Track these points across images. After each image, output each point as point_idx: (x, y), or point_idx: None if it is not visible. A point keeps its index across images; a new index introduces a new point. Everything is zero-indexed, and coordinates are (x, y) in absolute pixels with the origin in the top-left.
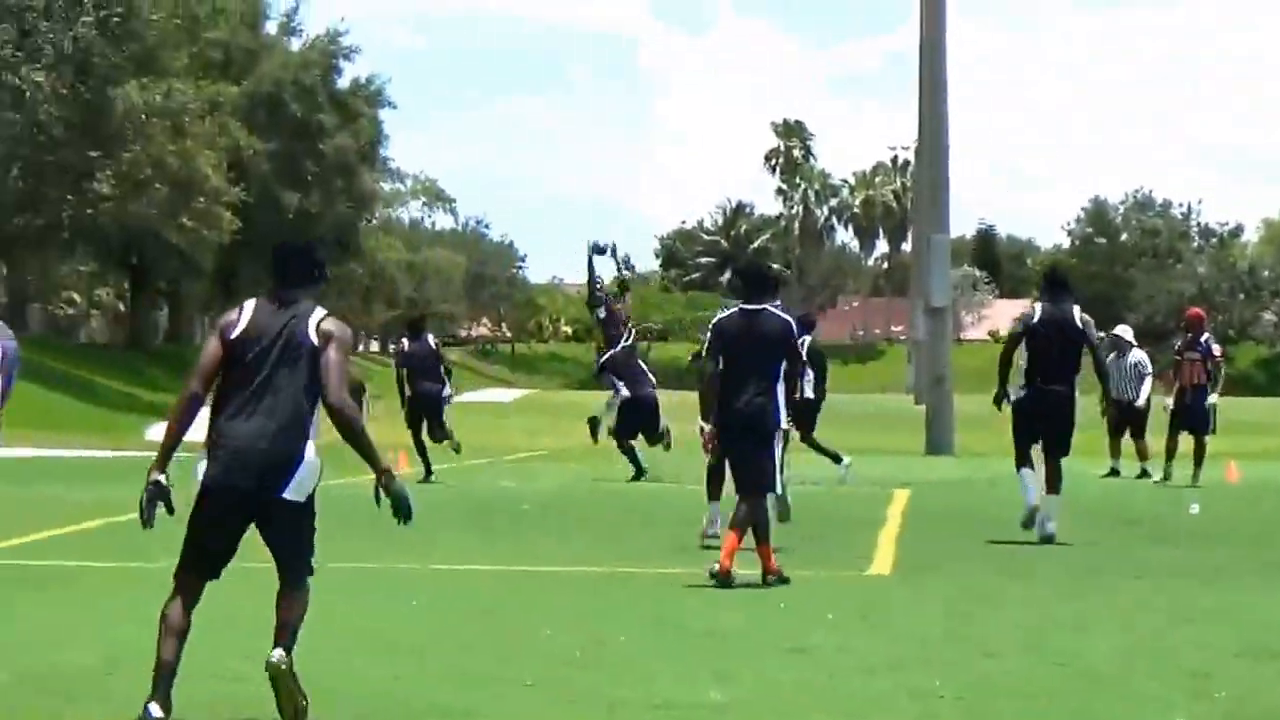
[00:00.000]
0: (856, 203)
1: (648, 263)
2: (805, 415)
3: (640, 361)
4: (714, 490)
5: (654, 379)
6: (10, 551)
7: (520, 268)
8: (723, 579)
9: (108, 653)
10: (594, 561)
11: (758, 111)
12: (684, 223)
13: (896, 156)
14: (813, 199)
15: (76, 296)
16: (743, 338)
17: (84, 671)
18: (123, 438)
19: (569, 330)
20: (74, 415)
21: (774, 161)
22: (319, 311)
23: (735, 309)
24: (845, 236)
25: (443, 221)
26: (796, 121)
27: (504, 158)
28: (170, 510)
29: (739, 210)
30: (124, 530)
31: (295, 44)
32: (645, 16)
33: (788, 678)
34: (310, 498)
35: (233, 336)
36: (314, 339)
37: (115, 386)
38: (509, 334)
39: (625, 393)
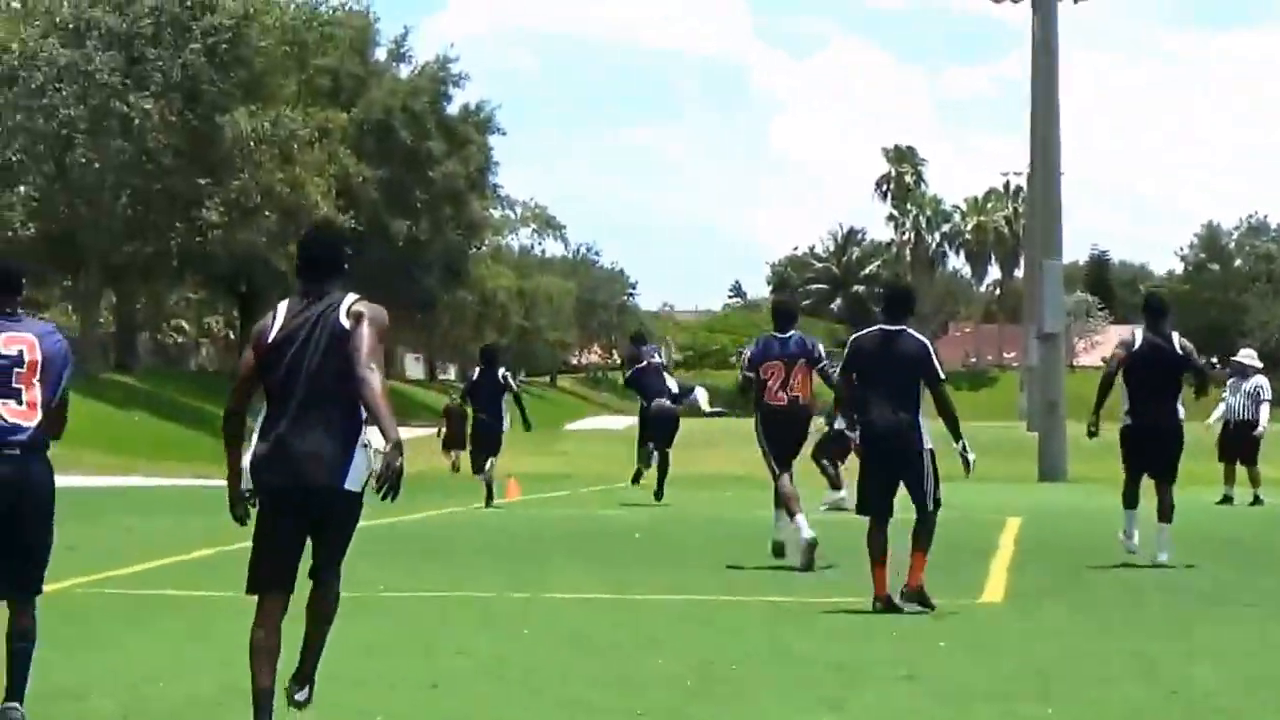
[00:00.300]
0: (968, 228)
1: (758, 289)
2: (835, 442)
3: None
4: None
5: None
6: (122, 580)
7: (630, 295)
8: (916, 596)
9: (220, 681)
10: (705, 590)
11: (869, 137)
12: (795, 249)
13: (1009, 182)
14: (924, 225)
15: (186, 325)
16: (881, 357)
17: (194, 701)
18: None
19: (680, 357)
20: (185, 444)
21: (885, 187)
22: (350, 297)
23: (875, 328)
24: (957, 262)
25: (553, 248)
26: (908, 147)
27: (614, 184)
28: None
29: (850, 236)
30: (236, 559)
31: (404, 71)
32: (754, 42)
33: (899, 706)
34: (364, 490)
35: (270, 340)
36: (346, 323)
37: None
38: (619, 361)
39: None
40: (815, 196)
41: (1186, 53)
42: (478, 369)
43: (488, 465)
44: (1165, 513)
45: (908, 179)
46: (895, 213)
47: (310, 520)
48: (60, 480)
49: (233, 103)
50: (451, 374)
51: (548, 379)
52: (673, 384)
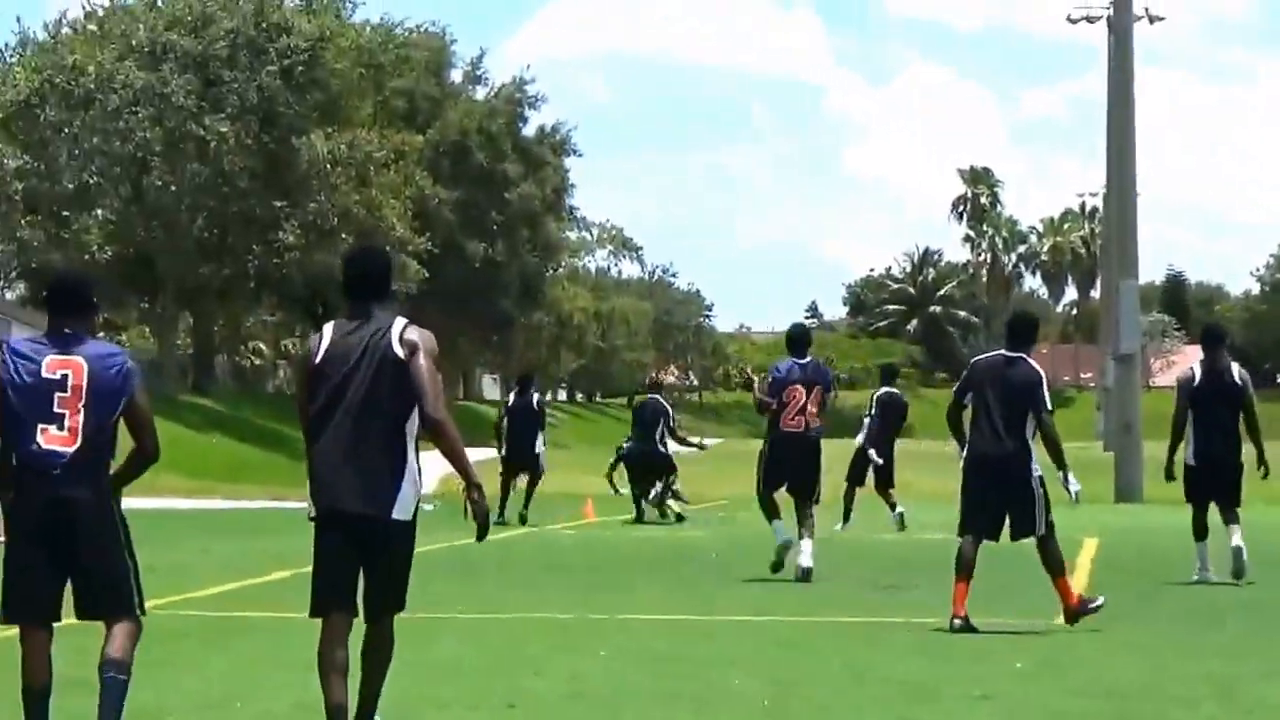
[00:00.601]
0: (1044, 249)
1: (835, 310)
2: (860, 465)
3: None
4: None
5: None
6: (199, 602)
7: (707, 316)
8: (1079, 612)
9: (295, 701)
10: (781, 610)
11: (945, 159)
12: (871, 270)
13: (1085, 203)
14: (1000, 246)
15: (263, 347)
16: (995, 383)
17: None
18: None
19: (755, 378)
20: (262, 466)
21: (962, 209)
22: (400, 321)
23: (997, 353)
24: (1033, 283)
25: (629, 270)
26: (984, 168)
27: (691, 205)
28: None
29: (926, 257)
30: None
31: (481, 92)
32: (830, 64)
33: None
34: (414, 519)
35: (316, 362)
36: (399, 351)
37: (302, 437)
38: (696, 382)
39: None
40: (892, 218)
41: (1264, 71)
42: (513, 394)
43: (524, 484)
44: (1233, 518)
45: (984, 200)
46: (972, 234)
47: (359, 549)
48: (137, 503)
49: (308, 125)
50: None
51: (625, 400)
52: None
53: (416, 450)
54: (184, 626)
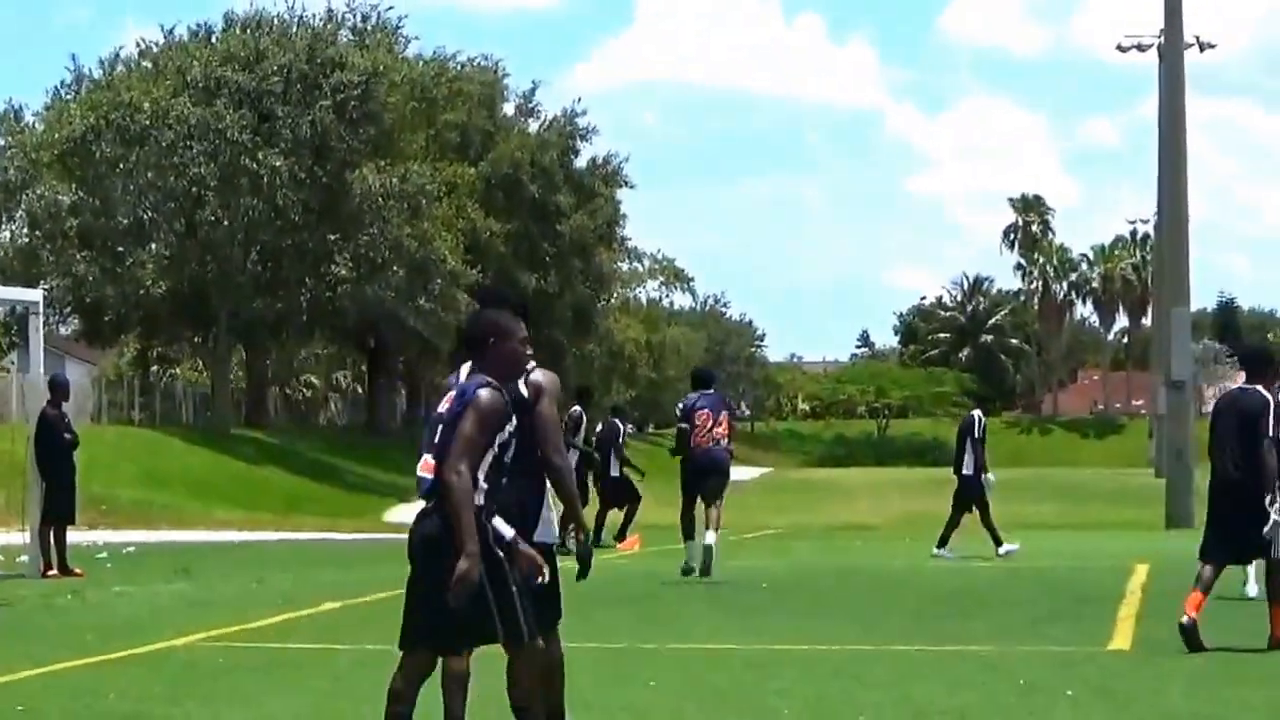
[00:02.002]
0: (1096, 277)
1: (886, 339)
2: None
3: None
4: None
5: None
6: (250, 634)
7: (759, 346)
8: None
9: None
10: (832, 640)
11: (997, 187)
12: (923, 299)
13: (1136, 229)
14: (1052, 274)
15: (315, 380)
16: (1226, 413)
17: None
18: (363, 520)
19: (807, 407)
20: (314, 498)
21: (1013, 237)
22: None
23: (1236, 386)
24: (1085, 311)
25: (681, 300)
26: (1035, 196)
27: (742, 236)
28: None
29: (977, 286)
30: (364, 612)
31: (533, 125)
32: (885, 92)
33: None
34: (554, 546)
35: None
36: (524, 391)
37: (355, 469)
38: (748, 412)
39: None
40: (943, 247)
41: None
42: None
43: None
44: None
45: (1035, 228)
46: (1023, 262)
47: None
48: (191, 536)
49: (361, 159)
50: None
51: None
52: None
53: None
54: (237, 659)
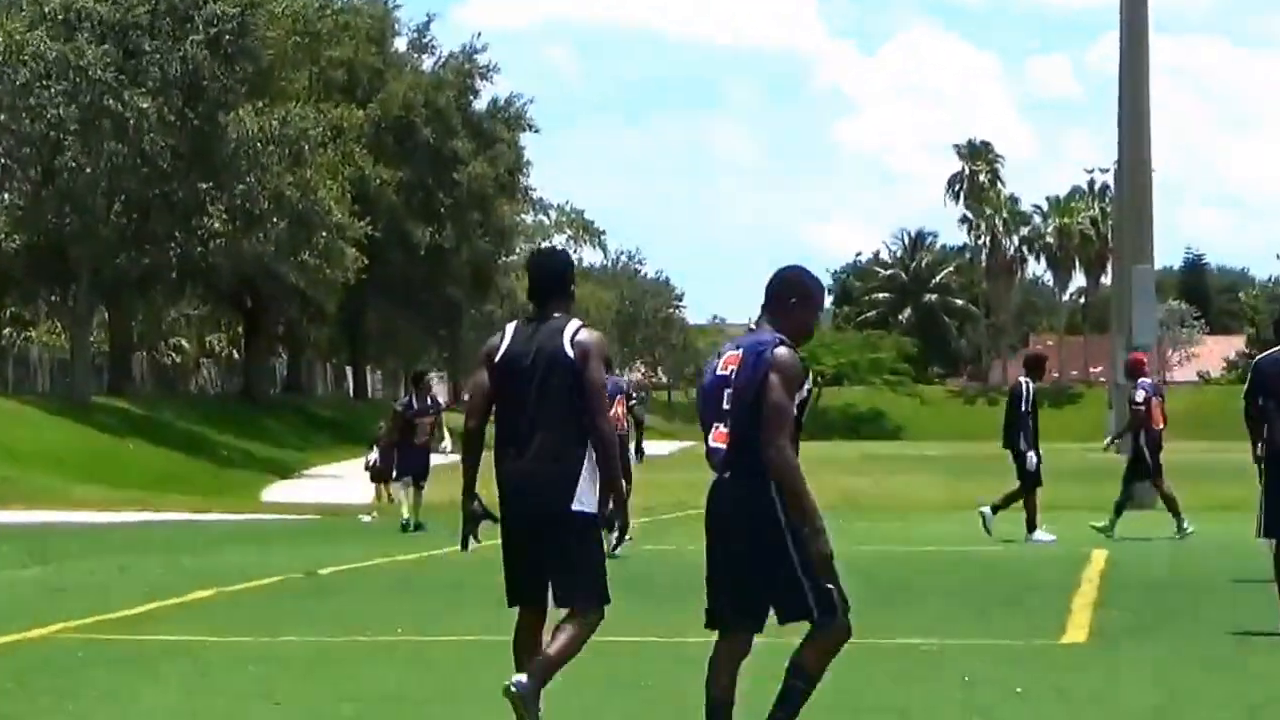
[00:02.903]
0: (1049, 231)
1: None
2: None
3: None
4: None
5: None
6: (113, 625)
7: (677, 307)
8: None
9: None
10: (770, 631)
11: (939, 133)
12: (858, 255)
13: (1094, 180)
14: (1001, 228)
15: (185, 343)
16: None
17: None
18: (238, 499)
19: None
20: (184, 475)
21: (958, 187)
22: (574, 324)
23: (1276, 349)
24: (1037, 269)
25: (591, 256)
26: (983, 143)
27: (659, 186)
28: (493, 519)
29: (919, 241)
30: (237, 601)
31: (427, 62)
32: (818, 33)
33: None
34: (595, 517)
35: (496, 361)
36: (570, 352)
37: (229, 442)
38: (666, 380)
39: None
40: (880, 198)
41: None
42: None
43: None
44: None
45: (982, 177)
46: (969, 215)
47: (543, 543)
48: (47, 516)
49: (237, 100)
50: None
51: None
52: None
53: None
54: (98, 651)
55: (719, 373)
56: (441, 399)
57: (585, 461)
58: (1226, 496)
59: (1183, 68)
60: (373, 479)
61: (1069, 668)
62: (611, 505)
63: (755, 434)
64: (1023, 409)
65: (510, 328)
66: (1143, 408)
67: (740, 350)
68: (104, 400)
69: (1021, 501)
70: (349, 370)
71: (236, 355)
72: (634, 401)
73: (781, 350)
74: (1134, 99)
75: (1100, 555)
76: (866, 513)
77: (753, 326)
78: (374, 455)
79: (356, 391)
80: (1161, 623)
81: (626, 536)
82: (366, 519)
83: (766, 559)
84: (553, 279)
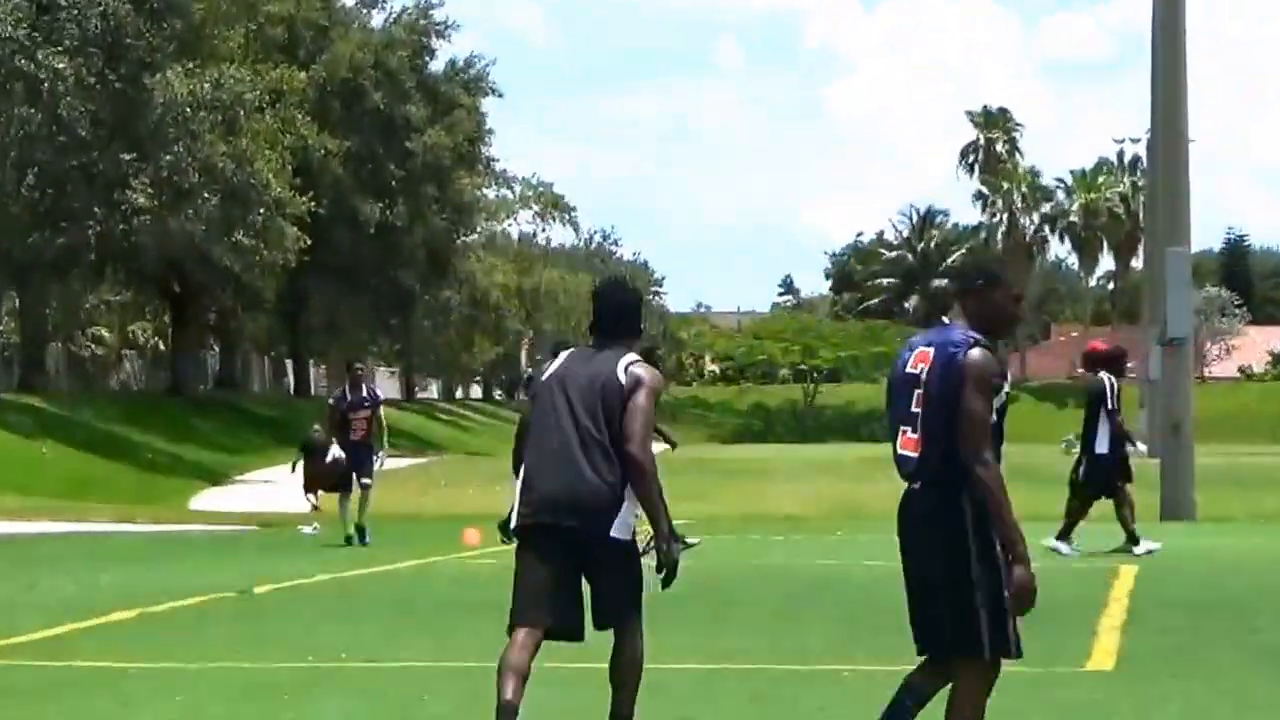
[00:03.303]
0: (1074, 209)
1: (815, 284)
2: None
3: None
4: None
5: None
6: (21, 650)
7: (657, 293)
8: None
9: None
10: (744, 657)
11: (951, 99)
12: (860, 235)
13: (1124, 151)
14: (1019, 204)
15: (106, 333)
16: None
17: None
18: (164, 507)
19: (717, 370)
20: (103, 480)
21: (971, 159)
22: (630, 355)
23: None
24: (1060, 250)
25: (561, 236)
26: (1000, 110)
27: (636, 159)
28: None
29: (929, 219)
30: (161, 622)
31: (377, 19)
32: None
33: None
34: (633, 539)
35: (543, 379)
36: (621, 378)
37: (154, 444)
38: None
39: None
40: (885, 172)
41: None
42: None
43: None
44: None
45: (999, 148)
46: (984, 190)
47: (579, 568)
48: None
49: (164, 60)
50: (433, 392)
51: None
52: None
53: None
54: (6, 680)
55: (909, 370)
56: (381, 393)
57: (627, 487)
58: (1272, 506)
59: (1223, 27)
60: (306, 487)
61: (1094, 697)
62: (660, 546)
63: (947, 442)
64: (1109, 406)
65: (565, 354)
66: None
67: (931, 348)
68: (13, 397)
69: (1073, 508)
70: (289, 364)
71: (163, 347)
72: None
73: (975, 353)
74: (1169, 61)
75: (1129, 571)
76: (869, 524)
77: (945, 320)
78: (305, 461)
79: (297, 388)
80: (1198, 649)
81: (691, 541)
82: (308, 530)
83: (946, 580)
84: (621, 312)
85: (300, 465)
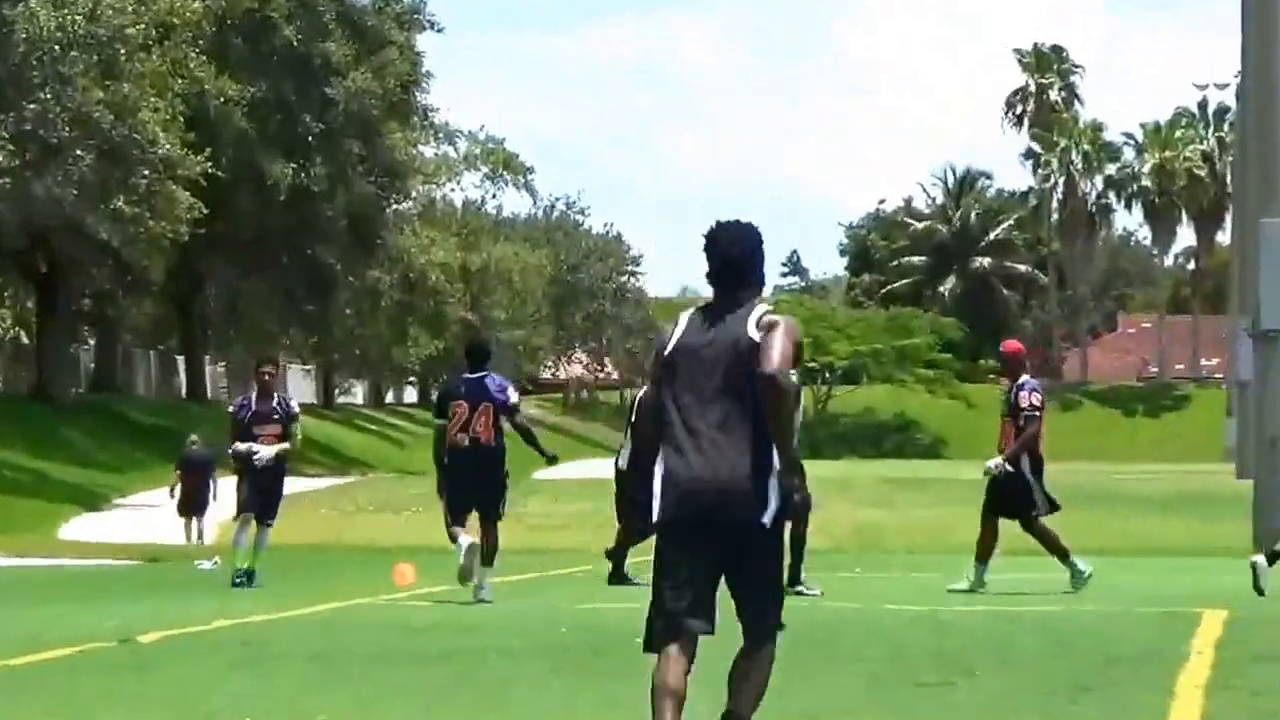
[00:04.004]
0: (1146, 170)
1: (828, 264)
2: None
3: None
4: None
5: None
6: None
7: (633, 273)
8: None
9: None
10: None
11: (993, 35)
12: (881, 204)
13: (1206, 101)
14: (1079, 165)
15: None
16: None
17: None
18: (27, 536)
19: None
20: None
21: (1020, 109)
22: (762, 307)
23: None
24: (1129, 221)
25: (515, 203)
26: (1053, 48)
27: (607, 110)
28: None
29: (966, 183)
30: (31, 677)
31: None
32: None
33: None
34: (780, 532)
35: (666, 353)
36: (754, 335)
37: (15, 460)
38: (617, 374)
39: None
40: (912, 125)
41: None
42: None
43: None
44: None
45: (1054, 95)
46: (1036, 147)
47: (720, 562)
48: None
49: None
50: (358, 396)
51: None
52: None
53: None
54: None
55: None
56: (295, 401)
57: (772, 470)
58: None
59: None
60: (180, 511)
61: None
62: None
63: None
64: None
65: (684, 316)
66: (1038, 415)
67: None
68: None
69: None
70: (181, 361)
71: (26, 340)
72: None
73: None
74: None
75: (1216, 618)
76: (891, 558)
77: None
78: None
79: (192, 390)
80: None
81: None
82: (206, 565)
83: None
84: (740, 257)
85: (179, 488)
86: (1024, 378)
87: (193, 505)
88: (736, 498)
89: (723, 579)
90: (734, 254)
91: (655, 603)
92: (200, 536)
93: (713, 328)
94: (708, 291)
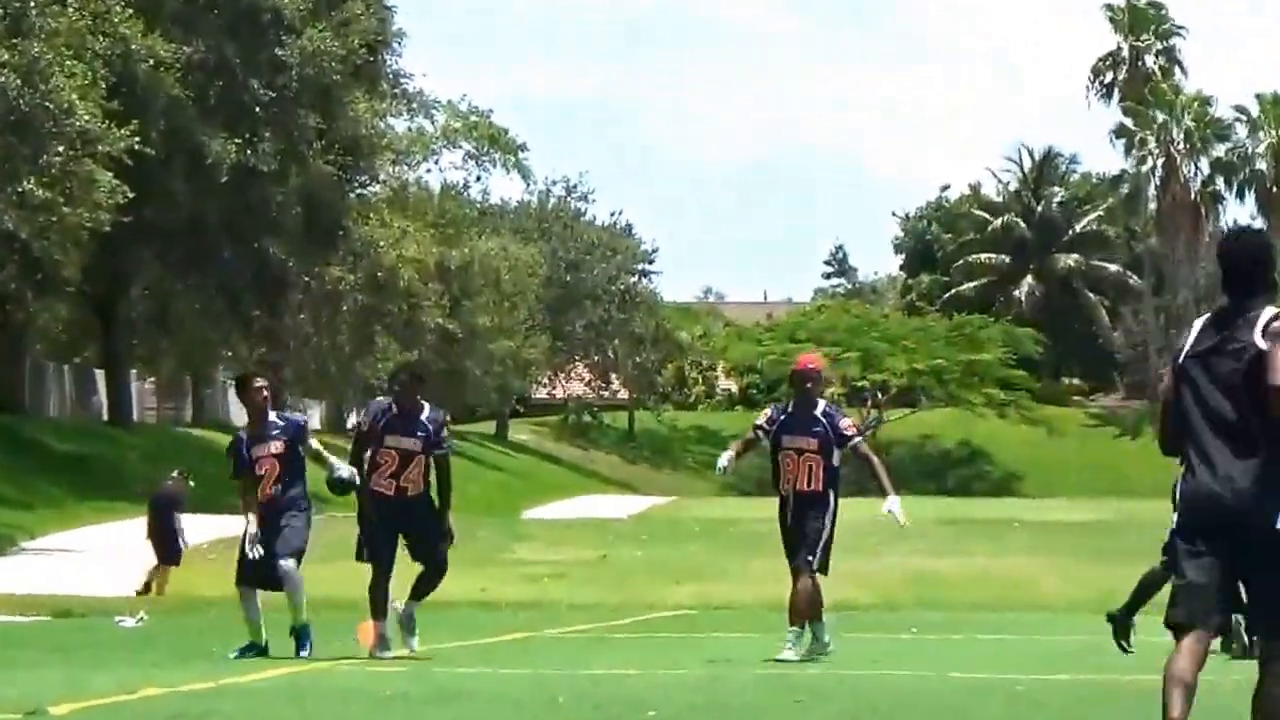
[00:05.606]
0: (1262, 151)
1: (880, 262)
2: None
3: None
4: None
5: None
6: None
7: (646, 273)
8: None
9: None
10: None
11: None
12: (945, 190)
13: None
14: (1182, 144)
15: None
16: None
17: None
18: None
19: (734, 387)
20: None
21: (1110, 77)
22: (1270, 311)
23: None
24: (1241, 210)
25: (503, 188)
26: (1151, 3)
27: (616, 76)
28: None
29: (1046, 163)
30: None
31: None
32: None
33: None
34: None
35: (1179, 361)
36: (1262, 343)
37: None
38: (624, 393)
39: None
40: (980, 97)
41: None
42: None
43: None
44: None
45: (1151, 62)
46: (1130, 124)
47: (1235, 565)
48: None
49: None
50: (315, 419)
51: (493, 425)
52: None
53: None
54: None
55: None
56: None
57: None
58: None
59: None
60: (162, 560)
61: None
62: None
63: None
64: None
65: (1197, 323)
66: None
67: None
68: None
69: None
70: (101, 376)
71: None
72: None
73: None
74: None
75: None
76: (953, 613)
77: None
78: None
79: (115, 411)
80: None
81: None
82: (129, 622)
83: None
84: (1248, 264)
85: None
86: (825, 406)
87: (162, 553)
88: (1243, 507)
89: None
90: (1243, 259)
91: (1175, 595)
92: (159, 589)
93: (1220, 333)
94: (732, 294)
